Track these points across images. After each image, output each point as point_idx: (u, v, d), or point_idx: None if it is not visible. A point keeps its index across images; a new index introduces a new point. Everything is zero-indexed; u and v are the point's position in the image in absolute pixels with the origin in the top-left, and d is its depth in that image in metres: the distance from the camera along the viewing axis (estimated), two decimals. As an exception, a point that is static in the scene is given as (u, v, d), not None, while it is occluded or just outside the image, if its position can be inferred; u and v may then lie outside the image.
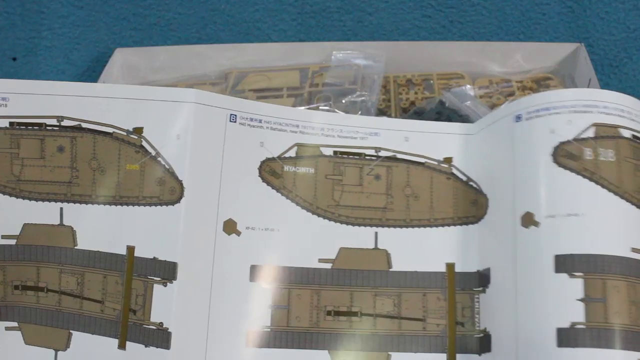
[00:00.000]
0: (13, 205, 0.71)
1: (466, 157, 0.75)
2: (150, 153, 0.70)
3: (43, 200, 0.71)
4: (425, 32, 1.08)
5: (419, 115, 0.91)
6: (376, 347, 0.71)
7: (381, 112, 0.96)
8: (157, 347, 0.67)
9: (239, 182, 0.72)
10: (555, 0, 1.07)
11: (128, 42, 1.08)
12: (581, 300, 0.62)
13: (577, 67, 0.96)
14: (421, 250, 0.73)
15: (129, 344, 0.69)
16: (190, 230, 0.69)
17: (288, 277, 0.72)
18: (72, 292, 0.71)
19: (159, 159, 0.70)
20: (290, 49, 1.02)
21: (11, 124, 0.72)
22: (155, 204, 0.69)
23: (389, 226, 0.73)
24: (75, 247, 0.71)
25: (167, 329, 0.67)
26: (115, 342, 0.69)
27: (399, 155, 0.75)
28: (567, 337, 0.61)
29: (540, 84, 0.96)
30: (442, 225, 0.73)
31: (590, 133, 0.66)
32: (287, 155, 0.74)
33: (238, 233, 0.71)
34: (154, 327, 0.67)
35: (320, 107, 0.92)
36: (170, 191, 0.69)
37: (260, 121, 0.74)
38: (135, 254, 0.69)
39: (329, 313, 0.72)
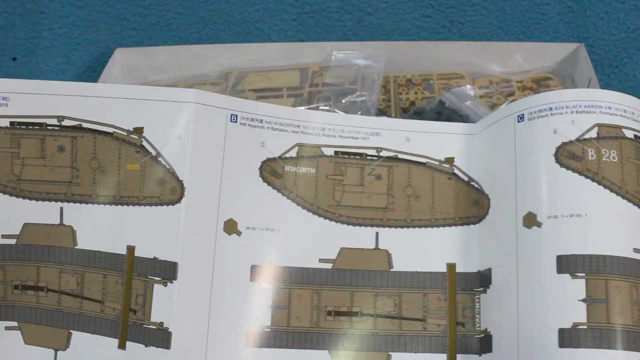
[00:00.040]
0: (13, 204, 0.71)
1: (468, 157, 0.75)
2: (151, 153, 0.70)
3: (43, 199, 0.71)
4: (425, 32, 1.08)
5: (419, 115, 0.91)
6: (376, 347, 0.71)
7: (381, 112, 0.96)
8: (157, 347, 0.67)
9: (239, 182, 0.72)
10: (555, 0, 1.07)
11: (128, 42, 1.08)
12: (583, 300, 0.62)
13: (577, 67, 0.96)
14: (422, 250, 0.73)
15: (129, 343, 0.68)
16: (191, 230, 0.69)
17: (288, 277, 0.72)
18: (72, 291, 0.71)
19: (160, 159, 0.70)
20: (290, 49, 1.02)
21: (12, 123, 0.72)
22: (156, 204, 0.69)
23: (390, 226, 0.73)
24: (75, 247, 0.71)
25: (168, 328, 0.67)
26: (115, 341, 0.69)
27: (400, 156, 0.75)
28: (569, 338, 0.61)
29: (540, 84, 0.97)
30: (443, 226, 0.73)
31: (593, 133, 0.66)
32: (288, 155, 0.74)
33: (239, 233, 0.71)
34: (154, 327, 0.67)
35: (320, 107, 0.92)
36: (170, 191, 0.69)
37: (261, 121, 0.74)
38: (136, 254, 0.69)
39: (329, 313, 0.72)
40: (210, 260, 0.70)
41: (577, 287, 0.62)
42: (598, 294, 0.62)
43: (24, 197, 0.71)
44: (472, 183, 0.74)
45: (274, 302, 0.71)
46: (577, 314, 0.62)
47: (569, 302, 0.62)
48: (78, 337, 0.70)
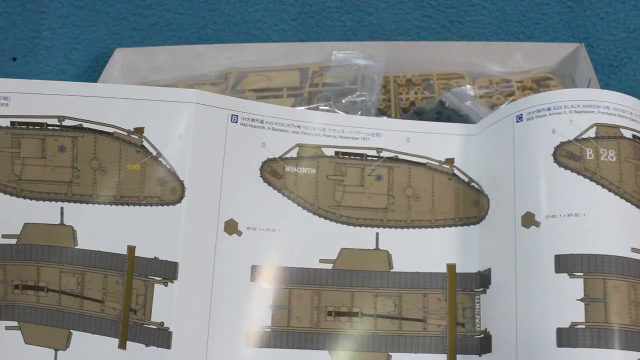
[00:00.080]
0: (14, 204, 0.71)
1: (468, 158, 0.75)
2: (152, 153, 0.70)
3: (44, 199, 0.71)
4: (425, 32, 1.08)
5: (419, 115, 0.91)
6: (377, 348, 0.71)
7: (381, 112, 0.96)
8: (157, 347, 0.67)
9: (240, 182, 0.72)
10: (555, 0, 1.07)
11: (128, 42, 1.08)
12: (581, 300, 0.62)
13: (577, 67, 0.96)
14: (422, 250, 0.73)
15: (129, 343, 0.68)
16: (191, 230, 0.69)
17: (289, 277, 0.72)
18: (72, 291, 0.71)
19: (160, 159, 0.70)
20: (290, 49, 1.02)
21: (12, 123, 0.72)
22: (156, 204, 0.69)
23: (390, 227, 0.73)
24: (76, 247, 0.71)
25: (168, 328, 0.67)
26: (115, 341, 0.69)
27: (401, 156, 0.75)
28: (567, 337, 0.61)
29: (540, 84, 0.97)
30: (443, 226, 0.73)
31: (592, 133, 0.66)
32: (288, 155, 0.74)
33: (239, 233, 0.71)
34: (155, 327, 0.67)
35: (320, 107, 0.92)
36: (171, 191, 0.69)
37: (261, 122, 0.74)
38: (136, 254, 0.69)
39: (329, 313, 0.72)
40: (210, 260, 0.70)
41: (575, 286, 0.62)
42: (596, 294, 0.62)
43: (24, 197, 0.71)
44: (472, 184, 0.74)
45: (275, 302, 0.71)
46: (576, 314, 0.62)
47: (567, 301, 0.62)
48: (78, 337, 0.70)
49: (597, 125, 0.66)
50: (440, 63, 1.00)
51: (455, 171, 0.74)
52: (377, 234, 0.73)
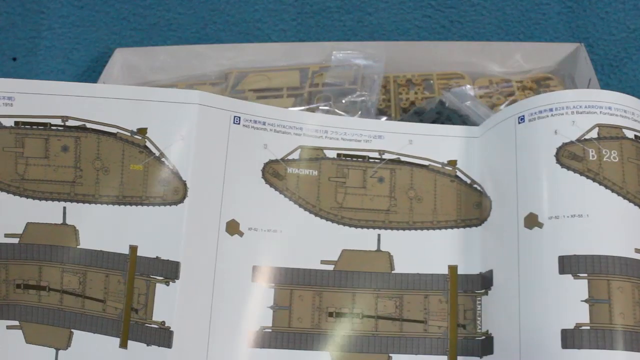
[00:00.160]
0: (16, 204, 0.71)
1: (470, 160, 0.75)
2: (154, 154, 0.70)
3: (46, 199, 0.71)
4: (425, 32, 1.08)
5: (419, 115, 0.91)
6: (377, 349, 0.71)
7: (381, 112, 0.96)
8: (158, 346, 0.67)
9: (242, 183, 0.72)
10: (555, 0, 1.07)
11: (128, 42, 1.08)
12: (586, 301, 0.62)
13: (577, 67, 0.96)
14: (424, 252, 0.73)
15: (130, 343, 0.69)
16: (193, 230, 0.69)
17: (290, 278, 0.72)
18: (74, 291, 0.71)
19: (163, 159, 0.70)
20: (290, 49, 1.02)
21: (16, 123, 0.72)
22: (159, 204, 0.69)
23: (392, 228, 0.73)
24: (78, 247, 0.71)
25: (169, 328, 0.67)
26: (117, 341, 0.69)
27: (403, 158, 0.75)
28: (572, 339, 0.61)
29: (540, 84, 0.97)
30: (445, 228, 0.73)
31: (594, 134, 0.66)
32: (290, 157, 0.74)
33: (240, 234, 0.71)
34: (156, 326, 0.67)
35: (320, 107, 0.92)
36: (173, 191, 0.69)
37: (263, 123, 0.74)
38: (138, 254, 0.69)
39: (330, 314, 0.72)
40: (212, 260, 0.70)
41: (579, 287, 0.62)
42: (600, 295, 0.62)
43: (27, 197, 0.71)
44: (475, 185, 0.74)
45: (275, 303, 0.72)
46: (580, 315, 0.62)
47: (571, 302, 0.62)
48: (79, 337, 0.70)
49: (599, 125, 0.66)
50: (440, 63, 1.00)
51: (458, 173, 0.74)
52: (379, 235, 0.73)
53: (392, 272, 0.72)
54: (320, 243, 0.73)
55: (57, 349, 0.71)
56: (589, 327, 0.61)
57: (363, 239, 0.73)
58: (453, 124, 0.84)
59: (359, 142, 0.75)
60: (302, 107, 0.93)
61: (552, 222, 0.65)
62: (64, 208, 0.71)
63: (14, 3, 1.10)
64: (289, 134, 0.75)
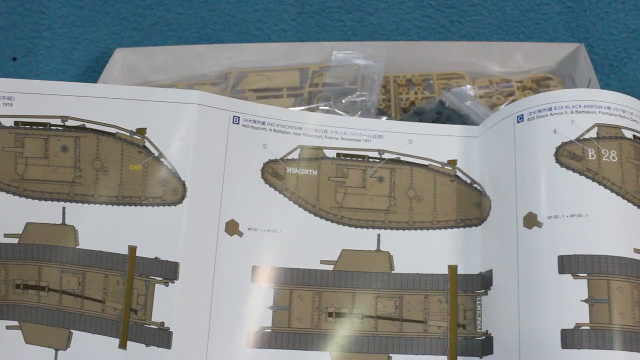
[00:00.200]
0: (16, 204, 0.71)
1: (469, 159, 0.75)
2: (153, 154, 0.70)
3: (46, 199, 0.71)
4: (425, 32, 1.08)
5: (419, 115, 0.91)
6: (377, 349, 0.71)
7: (381, 112, 0.96)
8: (158, 347, 0.67)
9: (241, 183, 0.72)
10: (555, 0, 1.07)
11: (128, 42, 1.09)
12: (585, 301, 0.62)
13: (577, 67, 0.96)
14: (423, 252, 0.73)
15: (129, 343, 0.68)
16: (193, 230, 0.69)
17: (289, 278, 0.72)
18: (73, 291, 0.71)
19: (162, 159, 0.70)
20: (290, 49, 1.02)
21: (16, 123, 0.72)
22: (158, 204, 0.69)
23: (391, 228, 0.73)
24: (77, 247, 0.71)
25: (168, 328, 0.67)
26: (116, 341, 0.69)
27: (403, 158, 0.75)
28: (571, 339, 0.61)
29: (540, 84, 0.97)
30: (445, 228, 0.73)
31: (593, 133, 0.66)
32: (289, 157, 0.74)
33: (240, 234, 0.71)
34: (155, 327, 0.67)
35: (320, 107, 0.92)
36: (172, 192, 0.69)
37: (263, 123, 0.74)
38: (137, 254, 0.69)
39: (330, 314, 0.72)
40: (211, 260, 0.70)
41: (579, 287, 0.62)
42: (600, 295, 0.62)
43: (26, 197, 0.71)
44: (475, 185, 0.74)
45: (275, 303, 0.71)
46: (580, 315, 0.61)
47: (571, 302, 0.62)
48: (79, 337, 0.70)
49: (599, 125, 0.66)
50: (440, 63, 1.00)
51: (458, 172, 0.74)
52: (379, 235, 0.73)
53: (392, 272, 0.72)
54: (319, 243, 0.73)
55: (57, 349, 0.71)
56: (588, 327, 0.61)
57: (363, 239, 0.73)
58: (453, 124, 0.84)
59: (359, 141, 0.75)
60: (302, 107, 0.93)
61: (551, 222, 0.65)
62: (64, 208, 0.71)
63: (14, 3, 1.11)
64: (289, 133, 0.75)
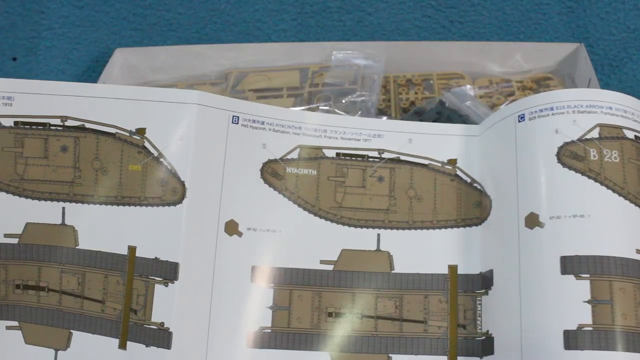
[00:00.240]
0: (16, 204, 0.71)
1: (470, 159, 0.75)
2: (153, 154, 0.70)
3: (45, 199, 0.71)
4: (425, 32, 1.08)
5: (419, 115, 0.91)
6: (377, 349, 0.71)
7: (381, 112, 0.96)
8: (157, 347, 0.67)
9: (241, 183, 0.72)
10: (555, 0, 1.07)
11: (128, 42, 1.08)
12: (588, 302, 0.62)
13: (577, 67, 0.96)
14: (423, 252, 0.73)
15: (129, 343, 0.68)
16: (192, 230, 0.69)
17: (289, 278, 0.72)
18: (73, 291, 0.71)
19: (162, 159, 0.70)
20: (290, 49, 1.02)
21: (16, 123, 0.72)
22: (157, 205, 0.69)
23: (391, 228, 0.73)
24: (77, 247, 0.71)
25: (168, 329, 0.67)
26: (115, 341, 0.69)
27: (403, 157, 0.75)
28: (574, 339, 0.61)
29: (540, 84, 0.97)
30: (445, 227, 0.73)
31: (595, 133, 0.66)
32: (289, 156, 0.74)
33: (239, 234, 0.71)
34: (155, 327, 0.67)
35: (320, 107, 0.92)
36: (172, 192, 0.69)
37: (262, 123, 0.74)
38: (137, 254, 0.69)
39: (330, 314, 0.72)
40: (211, 260, 0.70)
41: (581, 288, 0.62)
42: (603, 295, 0.61)
43: (26, 197, 0.71)
44: (475, 184, 0.74)
45: (275, 303, 0.71)
46: (582, 316, 0.61)
47: (573, 303, 0.62)
48: (79, 337, 0.70)
49: (601, 125, 0.66)
50: (440, 63, 1.00)
51: (458, 172, 0.74)
52: (379, 235, 0.73)
53: (392, 272, 0.72)
54: (319, 243, 0.73)
55: (57, 350, 0.70)
56: (591, 328, 0.61)
57: (362, 239, 0.73)
58: (453, 124, 0.84)
59: (358, 141, 0.75)
60: (302, 107, 0.93)
61: (553, 222, 0.64)
62: (63, 208, 0.71)
63: (14, 3, 1.11)
64: (288, 133, 0.75)
